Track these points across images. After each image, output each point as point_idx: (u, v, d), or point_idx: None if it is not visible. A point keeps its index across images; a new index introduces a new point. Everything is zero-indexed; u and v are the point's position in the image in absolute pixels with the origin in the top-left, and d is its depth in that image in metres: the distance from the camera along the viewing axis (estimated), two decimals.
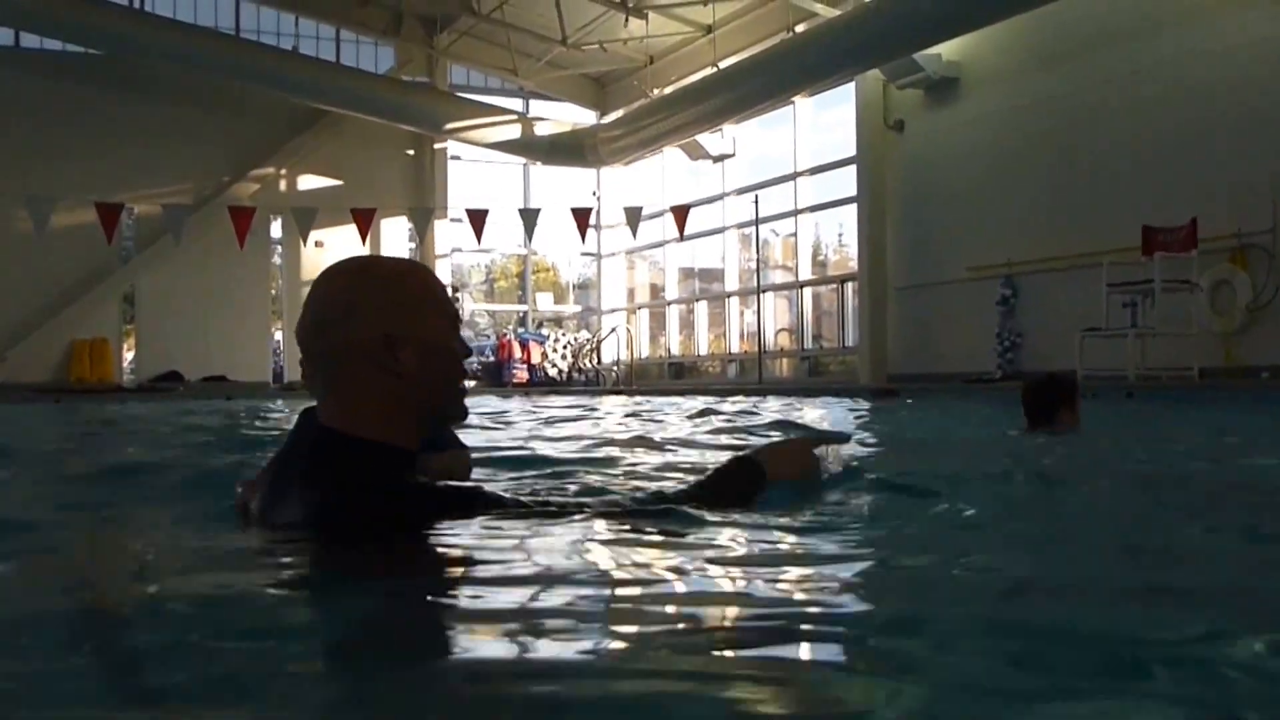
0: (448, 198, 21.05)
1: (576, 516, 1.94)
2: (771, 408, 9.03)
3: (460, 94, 20.72)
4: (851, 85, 15.48)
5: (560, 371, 21.24)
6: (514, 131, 19.68)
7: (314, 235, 17.81)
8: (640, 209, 18.38)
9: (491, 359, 21.48)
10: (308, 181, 20.43)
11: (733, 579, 1.56)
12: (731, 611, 1.35)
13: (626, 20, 17.64)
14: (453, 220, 20.36)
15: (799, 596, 1.46)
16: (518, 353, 21.05)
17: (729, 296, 20.03)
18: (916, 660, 1.12)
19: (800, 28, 15.82)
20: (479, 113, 19.59)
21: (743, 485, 2.16)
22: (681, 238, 19.03)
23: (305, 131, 20.03)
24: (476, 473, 2.98)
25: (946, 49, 13.61)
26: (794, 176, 17.93)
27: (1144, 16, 11.53)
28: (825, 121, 18.46)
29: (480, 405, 10.52)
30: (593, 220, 18.97)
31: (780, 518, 1.95)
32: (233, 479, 2.35)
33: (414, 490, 1.85)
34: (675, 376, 20.64)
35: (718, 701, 0.97)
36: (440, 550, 1.78)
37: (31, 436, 6.85)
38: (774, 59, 15.48)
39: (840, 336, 17.47)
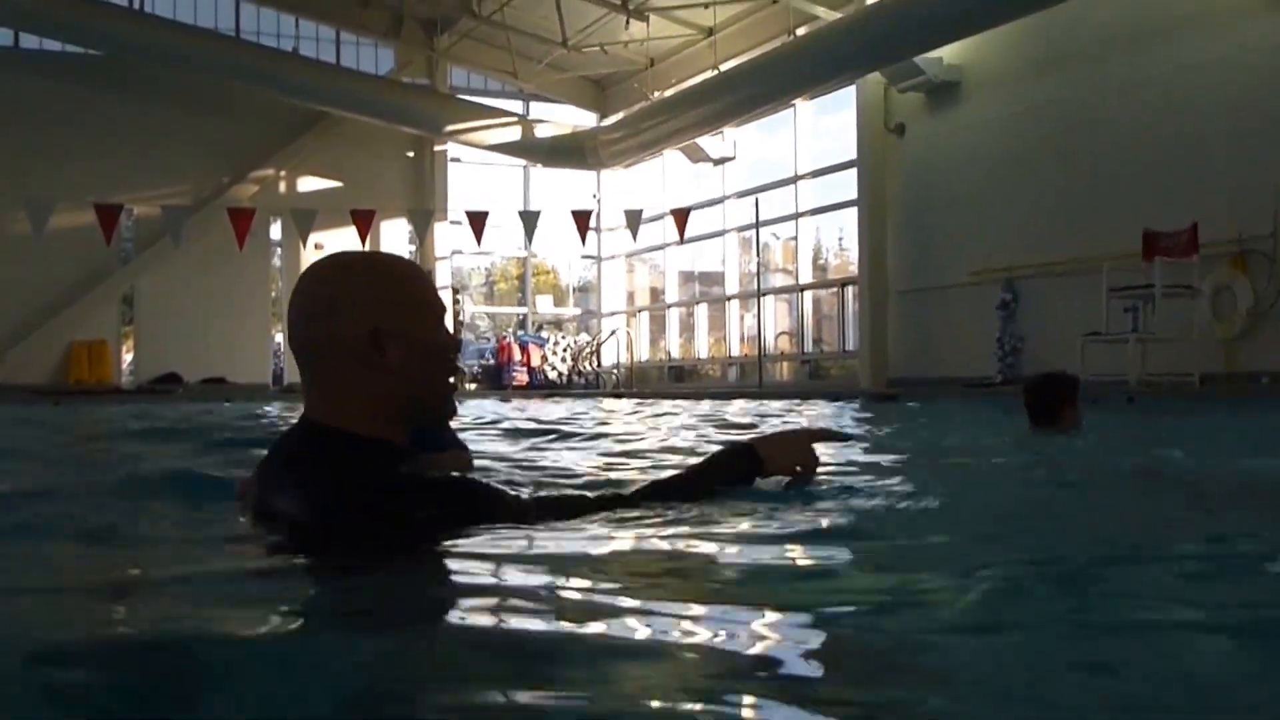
0: (447, 200, 21.07)
1: (574, 510, 1.93)
2: (774, 408, 9.02)
3: (460, 96, 20.75)
4: (852, 88, 15.49)
5: (560, 374, 21.25)
6: (514, 134, 19.72)
7: (313, 237, 17.77)
8: (640, 212, 18.39)
9: (491, 362, 21.50)
10: (307, 183, 20.45)
11: (732, 578, 1.56)
12: (730, 611, 1.34)
13: (627, 23, 17.64)
14: (452, 222, 20.39)
15: (799, 597, 1.45)
16: (517, 355, 21.06)
17: (729, 300, 20.03)
18: (917, 660, 1.12)
19: (801, 31, 15.81)
20: (479, 115, 19.62)
21: (738, 473, 2.15)
22: (682, 241, 19.06)
23: (305, 133, 20.05)
24: (476, 473, 2.98)
25: (948, 53, 13.61)
26: (795, 180, 17.95)
27: (1145, 22, 11.53)
28: (826, 125, 18.52)
29: (476, 410, 10.52)
30: (593, 223, 18.99)
31: (776, 516, 1.95)
32: (233, 480, 2.35)
33: (414, 488, 1.82)
34: (675, 380, 20.64)
35: (718, 701, 0.96)
36: (440, 550, 1.77)
37: (31, 437, 6.84)
38: (775, 62, 15.51)
39: (840, 340, 17.47)
